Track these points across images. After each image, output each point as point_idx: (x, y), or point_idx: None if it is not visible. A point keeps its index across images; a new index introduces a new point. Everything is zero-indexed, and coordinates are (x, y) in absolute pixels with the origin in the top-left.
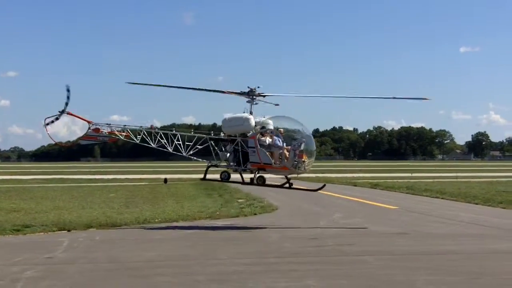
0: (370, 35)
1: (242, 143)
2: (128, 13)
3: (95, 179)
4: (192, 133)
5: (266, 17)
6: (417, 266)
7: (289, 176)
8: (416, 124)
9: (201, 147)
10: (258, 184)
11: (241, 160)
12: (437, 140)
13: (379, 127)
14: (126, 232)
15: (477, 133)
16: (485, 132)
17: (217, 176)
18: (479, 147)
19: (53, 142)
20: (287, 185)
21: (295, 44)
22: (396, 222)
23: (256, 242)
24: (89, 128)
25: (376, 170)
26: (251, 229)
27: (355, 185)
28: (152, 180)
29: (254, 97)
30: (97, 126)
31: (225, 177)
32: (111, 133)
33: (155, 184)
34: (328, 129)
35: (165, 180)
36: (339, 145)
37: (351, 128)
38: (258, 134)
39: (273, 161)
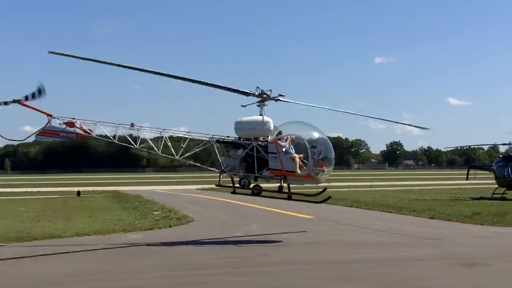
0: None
1: (259, 148)
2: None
3: (5, 192)
4: (193, 135)
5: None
6: (328, 275)
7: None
8: (332, 134)
9: (197, 150)
10: (258, 193)
11: (256, 167)
12: (353, 150)
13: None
14: (36, 247)
15: (391, 143)
16: (399, 141)
17: (225, 182)
18: (393, 156)
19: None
20: (297, 194)
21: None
22: (311, 232)
23: (169, 255)
24: (48, 121)
25: None
26: (165, 242)
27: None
28: (65, 192)
29: (267, 100)
30: (72, 120)
31: (245, 183)
32: (80, 129)
33: (67, 196)
34: None
35: (78, 193)
36: None
37: None
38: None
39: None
